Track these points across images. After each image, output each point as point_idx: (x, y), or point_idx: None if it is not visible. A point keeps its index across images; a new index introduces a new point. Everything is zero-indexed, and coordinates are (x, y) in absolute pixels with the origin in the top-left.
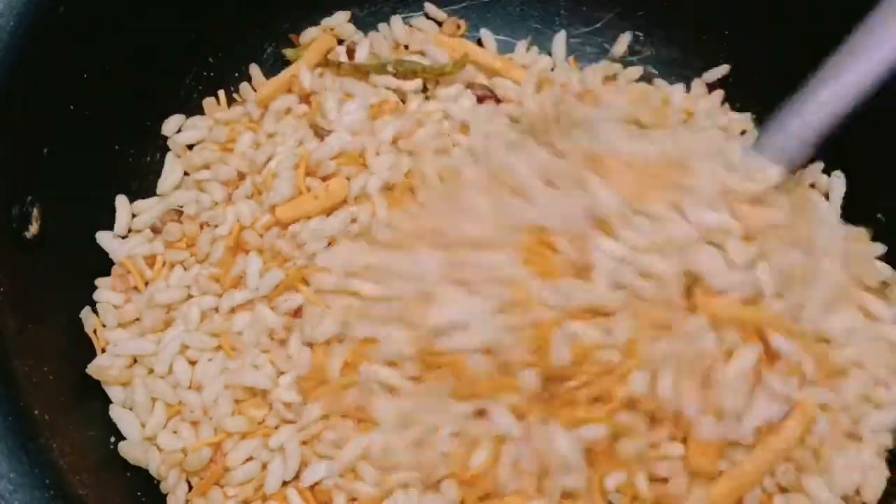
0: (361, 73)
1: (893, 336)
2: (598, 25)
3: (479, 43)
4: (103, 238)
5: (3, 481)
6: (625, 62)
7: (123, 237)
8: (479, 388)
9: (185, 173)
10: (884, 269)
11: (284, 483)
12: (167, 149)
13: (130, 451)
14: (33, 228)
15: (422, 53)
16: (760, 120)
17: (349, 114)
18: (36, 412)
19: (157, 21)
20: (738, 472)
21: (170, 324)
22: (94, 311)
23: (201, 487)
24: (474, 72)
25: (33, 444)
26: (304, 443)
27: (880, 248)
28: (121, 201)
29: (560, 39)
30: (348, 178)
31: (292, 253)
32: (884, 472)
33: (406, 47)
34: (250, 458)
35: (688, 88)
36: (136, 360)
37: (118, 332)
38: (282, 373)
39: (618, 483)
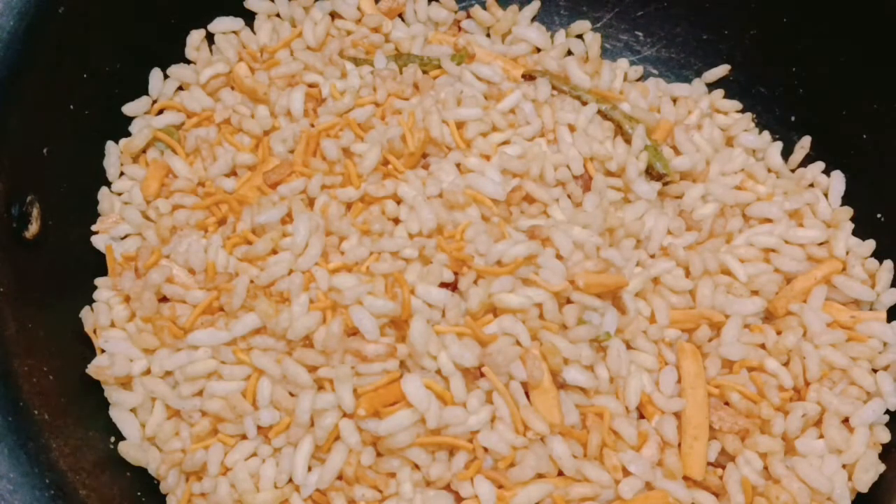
0: None
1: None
2: (598, 25)
3: None
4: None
5: (3, 481)
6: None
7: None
8: None
9: None
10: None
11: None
12: None
13: (130, 451)
14: (33, 228)
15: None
16: (760, 120)
17: None
18: (36, 412)
19: (156, 21)
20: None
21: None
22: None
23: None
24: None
25: (33, 444)
26: None
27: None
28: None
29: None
30: None
31: None
32: (878, 466)
33: None
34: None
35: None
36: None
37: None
38: None
39: None
